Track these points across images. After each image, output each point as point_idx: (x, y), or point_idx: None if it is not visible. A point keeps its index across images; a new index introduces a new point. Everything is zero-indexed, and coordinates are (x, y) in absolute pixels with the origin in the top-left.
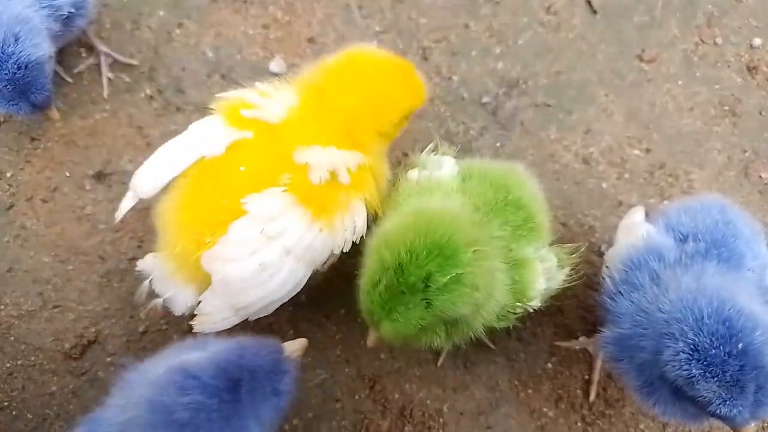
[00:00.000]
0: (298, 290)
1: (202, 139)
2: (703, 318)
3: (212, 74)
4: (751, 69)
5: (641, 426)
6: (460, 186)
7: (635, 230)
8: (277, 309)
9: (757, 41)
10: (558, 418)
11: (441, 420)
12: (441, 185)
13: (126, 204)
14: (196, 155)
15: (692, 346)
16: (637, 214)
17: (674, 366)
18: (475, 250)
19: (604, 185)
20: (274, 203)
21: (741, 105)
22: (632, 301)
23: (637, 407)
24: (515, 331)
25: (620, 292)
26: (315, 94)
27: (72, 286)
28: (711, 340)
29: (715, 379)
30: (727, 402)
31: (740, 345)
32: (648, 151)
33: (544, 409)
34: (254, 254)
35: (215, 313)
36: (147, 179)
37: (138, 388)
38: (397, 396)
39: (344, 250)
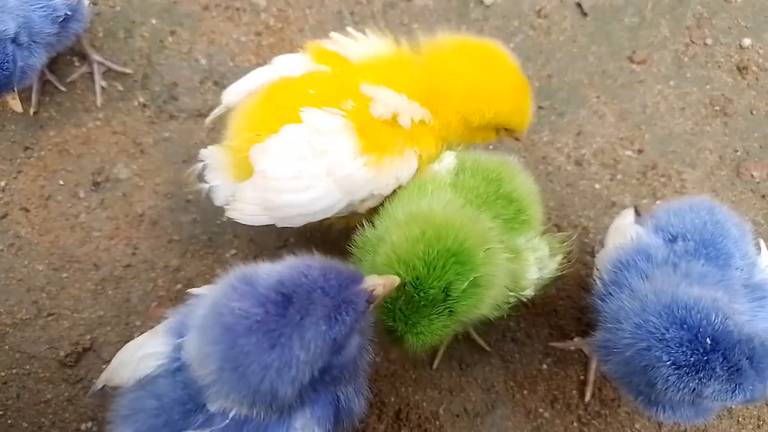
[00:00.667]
0: (329, 215)
1: (285, 64)
2: (664, 335)
3: (205, 81)
4: (741, 69)
5: (637, 425)
6: (453, 180)
7: (624, 231)
8: None
9: (747, 41)
10: (554, 419)
11: (437, 422)
12: (435, 178)
13: (217, 112)
14: (276, 75)
15: (673, 366)
16: (627, 216)
17: (673, 389)
18: (486, 249)
19: (597, 186)
20: (329, 120)
21: (732, 105)
22: (621, 302)
23: (633, 407)
24: (510, 333)
25: (610, 293)
26: (419, 57)
27: (66, 294)
28: (683, 351)
29: (712, 379)
30: (737, 389)
31: (708, 339)
32: (640, 151)
33: (540, 410)
34: (298, 160)
35: (247, 204)
36: (233, 92)
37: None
38: (393, 399)
39: (384, 194)
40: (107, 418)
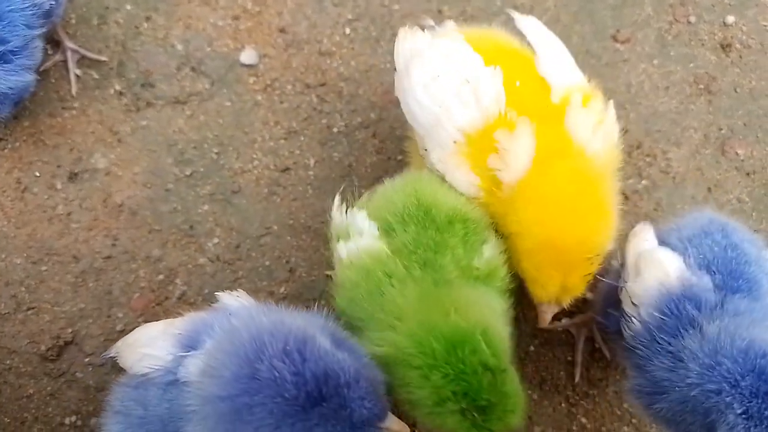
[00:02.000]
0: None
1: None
2: (738, 381)
3: (182, 67)
4: (725, 46)
5: (625, 405)
6: (389, 243)
7: (662, 264)
8: None
9: (730, 18)
10: (542, 400)
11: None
12: (377, 259)
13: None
14: None
15: (743, 416)
16: (649, 237)
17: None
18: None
19: None
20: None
21: (716, 83)
22: (683, 342)
23: (621, 386)
24: None
25: (656, 340)
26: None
27: (46, 287)
28: (757, 402)
29: None
30: None
31: None
32: (625, 131)
33: (528, 392)
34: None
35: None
36: None
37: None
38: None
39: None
40: (91, 412)
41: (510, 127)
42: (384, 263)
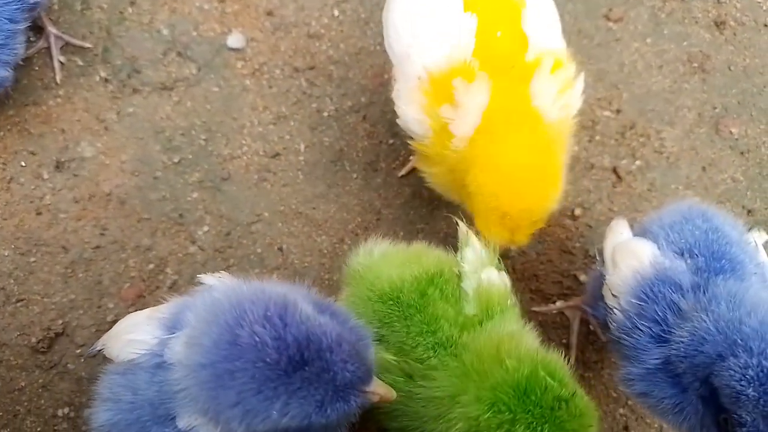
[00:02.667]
0: None
1: None
2: (728, 354)
3: (168, 53)
4: (719, 24)
5: (620, 387)
6: (388, 349)
7: (636, 252)
8: None
9: None
10: None
11: None
12: (387, 370)
13: None
14: None
15: (765, 369)
16: (624, 230)
17: (733, 376)
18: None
19: (575, 148)
20: None
21: (710, 61)
22: (658, 334)
23: (616, 369)
24: None
25: (638, 327)
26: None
27: (35, 279)
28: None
29: (766, 408)
30: None
31: None
32: (618, 111)
33: None
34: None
35: None
36: None
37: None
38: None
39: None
40: (83, 403)
41: (470, 77)
42: (394, 371)
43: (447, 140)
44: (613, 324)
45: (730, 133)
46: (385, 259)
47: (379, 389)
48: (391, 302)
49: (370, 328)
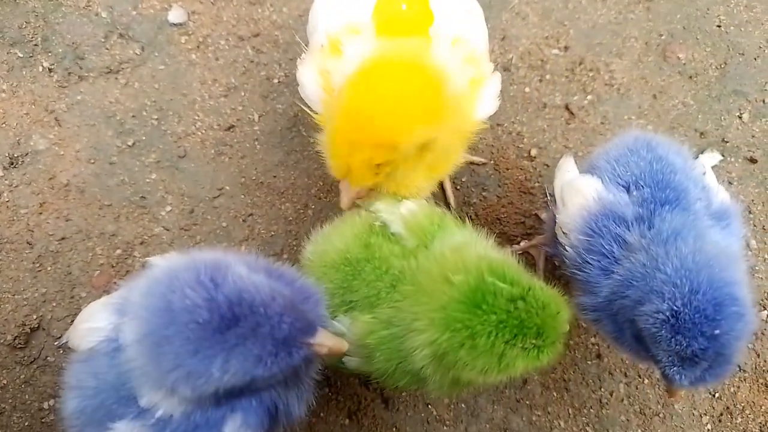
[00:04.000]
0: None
1: None
2: (698, 293)
3: (110, 35)
4: None
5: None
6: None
7: (581, 189)
8: None
9: None
10: None
11: None
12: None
13: None
14: None
15: (673, 312)
16: (570, 168)
17: (648, 320)
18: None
19: (527, 90)
20: None
21: None
22: (607, 267)
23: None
24: None
25: (588, 261)
26: None
27: (3, 277)
28: (693, 316)
29: (677, 347)
30: (676, 369)
31: (717, 330)
32: (566, 48)
33: None
34: None
35: None
36: None
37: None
38: None
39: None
40: None
41: (358, 32)
42: (376, 328)
43: (330, 92)
44: (566, 261)
45: (678, 58)
46: (326, 237)
47: (326, 341)
48: (342, 266)
49: (335, 298)
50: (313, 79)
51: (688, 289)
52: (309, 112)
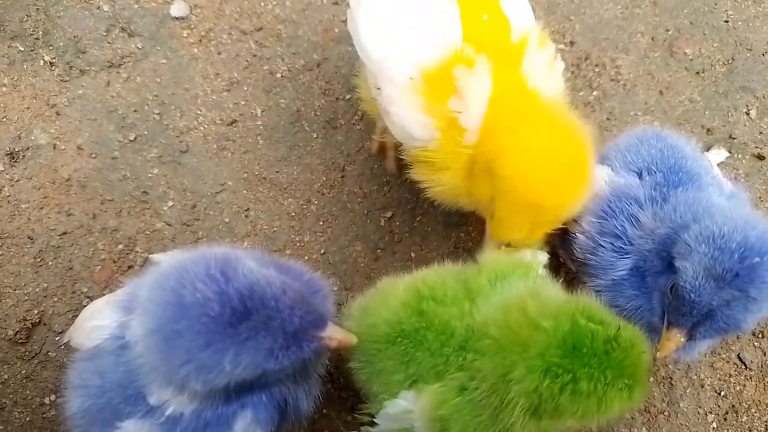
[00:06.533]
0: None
1: None
2: (753, 229)
3: (111, 29)
4: None
5: None
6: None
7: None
8: None
9: None
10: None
11: None
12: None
13: None
14: None
15: (721, 232)
16: None
17: (691, 235)
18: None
19: None
20: None
21: None
22: (621, 247)
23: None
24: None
25: (601, 244)
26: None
27: (4, 272)
28: (739, 241)
29: (709, 262)
30: (699, 290)
31: (756, 259)
32: (572, 44)
33: None
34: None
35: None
36: None
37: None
38: None
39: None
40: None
41: (469, 64)
42: (449, 395)
43: (458, 136)
44: (578, 248)
45: (685, 54)
46: (368, 310)
47: (336, 334)
48: (399, 339)
49: (396, 374)
50: (421, 119)
51: (739, 222)
52: (412, 151)
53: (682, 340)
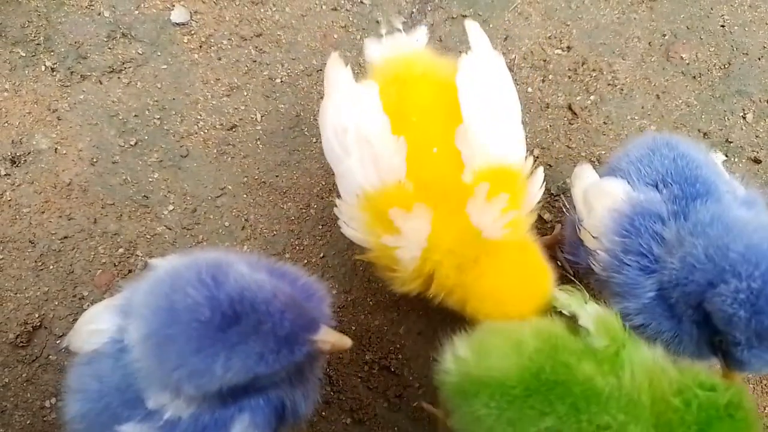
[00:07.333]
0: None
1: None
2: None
3: (112, 35)
4: None
5: None
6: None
7: (608, 190)
8: None
9: None
10: None
11: (399, 343)
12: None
13: None
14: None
15: (754, 291)
16: (589, 173)
17: (725, 300)
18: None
19: (529, 90)
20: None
21: None
22: (647, 266)
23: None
24: None
25: (626, 263)
26: None
27: (5, 275)
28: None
29: (757, 327)
30: (752, 350)
31: None
32: (569, 48)
33: None
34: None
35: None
36: None
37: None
38: (354, 328)
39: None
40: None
41: (406, 206)
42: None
43: (394, 262)
44: (599, 265)
45: (681, 58)
46: (486, 352)
47: (329, 337)
48: (541, 388)
49: (534, 429)
50: (363, 238)
51: (765, 267)
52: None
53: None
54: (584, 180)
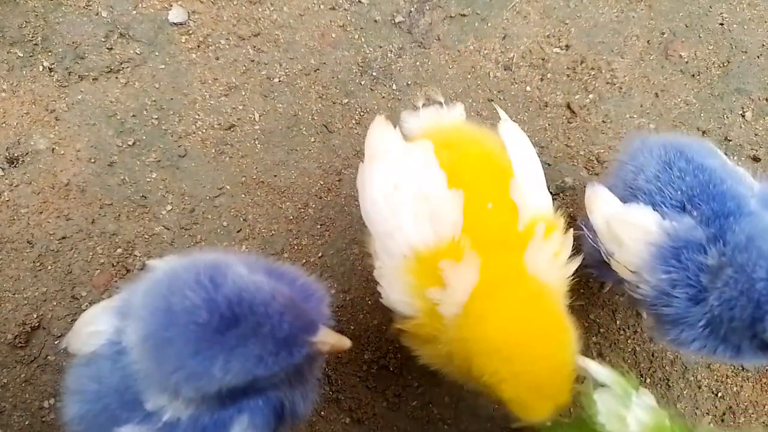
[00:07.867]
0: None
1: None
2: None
3: (110, 35)
4: None
5: (591, 316)
6: None
7: (638, 223)
8: None
9: None
10: None
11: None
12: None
13: None
14: None
15: None
16: (608, 197)
17: None
18: None
19: (528, 89)
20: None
21: None
22: (695, 295)
23: (585, 299)
24: None
25: (675, 296)
26: None
27: (4, 276)
28: None
29: None
30: None
31: None
32: (567, 47)
33: None
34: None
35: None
36: None
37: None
38: (353, 327)
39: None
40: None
41: (458, 257)
42: None
43: (437, 322)
44: (645, 298)
45: (680, 57)
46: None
47: (328, 338)
48: None
49: None
50: (406, 300)
51: None
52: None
53: None
54: (604, 207)
